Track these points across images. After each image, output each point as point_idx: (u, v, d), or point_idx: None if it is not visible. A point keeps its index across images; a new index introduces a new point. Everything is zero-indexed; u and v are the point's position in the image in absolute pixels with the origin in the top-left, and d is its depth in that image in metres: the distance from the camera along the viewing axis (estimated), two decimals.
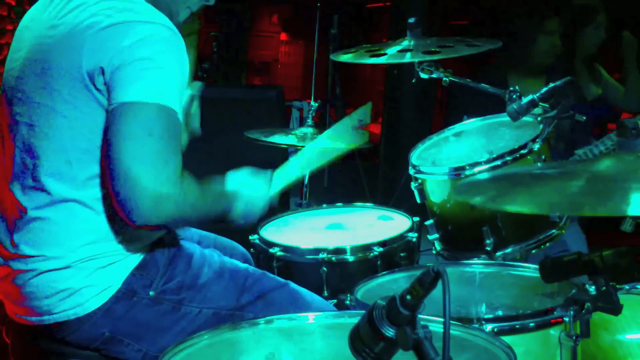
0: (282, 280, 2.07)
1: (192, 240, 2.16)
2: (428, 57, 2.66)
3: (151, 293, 1.87)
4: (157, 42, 1.74)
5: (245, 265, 2.09)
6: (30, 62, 1.83)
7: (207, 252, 2.04)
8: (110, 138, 1.70)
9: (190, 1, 1.99)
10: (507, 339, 1.52)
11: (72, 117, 1.76)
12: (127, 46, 1.71)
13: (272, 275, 2.09)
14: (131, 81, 1.70)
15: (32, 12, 1.94)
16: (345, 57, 2.79)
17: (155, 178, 1.67)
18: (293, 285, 2.06)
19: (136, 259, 1.88)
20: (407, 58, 2.67)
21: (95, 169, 1.79)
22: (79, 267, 1.81)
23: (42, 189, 1.80)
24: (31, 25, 1.90)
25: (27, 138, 1.82)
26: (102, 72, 1.72)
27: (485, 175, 1.74)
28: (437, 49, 2.64)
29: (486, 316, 1.81)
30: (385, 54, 2.71)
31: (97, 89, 1.74)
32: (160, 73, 1.71)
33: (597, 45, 4.11)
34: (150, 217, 1.69)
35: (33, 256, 1.81)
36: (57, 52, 1.78)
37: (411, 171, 2.60)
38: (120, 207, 1.69)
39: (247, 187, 1.98)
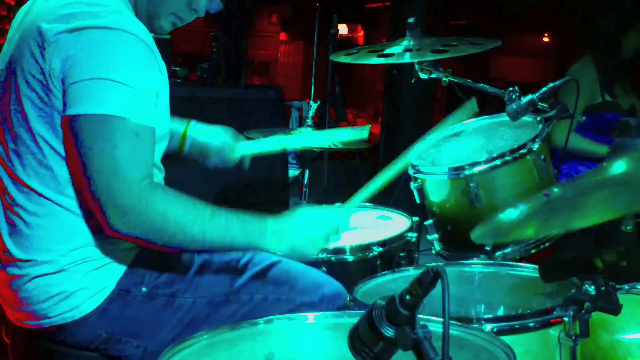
0: (275, 257, 2.04)
1: None
2: (433, 57, 2.64)
3: (144, 289, 1.87)
4: (108, 50, 1.71)
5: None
6: (6, 64, 1.84)
7: None
8: (70, 149, 1.73)
9: (179, 10, 1.97)
10: (506, 338, 1.52)
11: (44, 121, 1.76)
12: (76, 55, 1.69)
13: (264, 254, 2.05)
14: (82, 93, 1.69)
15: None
16: (346, 59, 2.77)
17: (108, 189, 1.67)
18: (286, 260, 2.04)
19: (128, 258, 1.88)
20: (407, 58, 2.66)
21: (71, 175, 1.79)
22: (72, 270, 1.81)
23: (28, 194, 1.80)
24: (12, 29, 1.90)
25: (10, 142, 1.82)
26: (58, 77, 1.72)
27: (513, 214, 1.71)
28: (445, 48, 2.63)
29: (485, 316, 1.80)
30: (392, 55, 2.69)
31: (57, 97, 1.73)
32: (110, 84, 1.69)
33: (635, 51, 3.85)
34: (120, 228, 1.69)
35: (24, 260, 1.81)
36: (25, 55, 1.77)
37: (410, 171, 2.60)
38: (98, 218, 1.72)
39: (291, 221, 1.89)
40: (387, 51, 2.71)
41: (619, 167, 1.55)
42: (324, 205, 1.95)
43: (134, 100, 1.71)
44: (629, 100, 3.89)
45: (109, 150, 1.67)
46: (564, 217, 1.55)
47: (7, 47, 1.87)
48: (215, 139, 2.44)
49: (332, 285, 2.04)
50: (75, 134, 1.70)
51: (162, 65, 1.84)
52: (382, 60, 2.71)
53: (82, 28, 1.71)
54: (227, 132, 2.47)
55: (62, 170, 1.78)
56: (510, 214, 1.67)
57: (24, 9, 1.91)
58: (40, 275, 1.81)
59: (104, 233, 1.82)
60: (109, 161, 1.67)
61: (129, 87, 1.70)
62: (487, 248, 2.41)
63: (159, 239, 1.73)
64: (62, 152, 1.78)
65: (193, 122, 2.42)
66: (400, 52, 2.68)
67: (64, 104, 1.72)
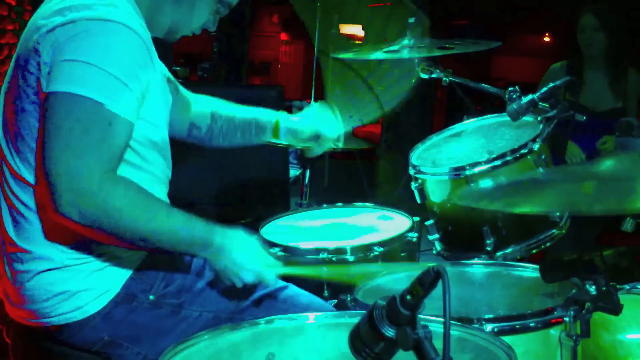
0: (282, 282, 2.06)
1: None
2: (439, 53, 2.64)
3: (151, 297, 1.87)
4: (97, 38, 1.71)
5: None
6: (13, 63, 1.85)
7: None
8: (44, 127, 1.71)
9: (207, 21, 2.01)
10: (507, 339, 1.52)
11: (39, 115, 1.76)
12: (66, 42, 1.71)
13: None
14: (62, 72, 1.69)
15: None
16: (347, 55, 2.77)
17: (69, 171, 1.65)
18: (293, 287, 2.06)
19: (134, 262, 1.88)
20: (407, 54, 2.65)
21: None
22: (75, 269, 1.81)
23: (27, 190, 1.81)
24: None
25: (11, 139, 1.83)
26: (49, 65, 1.72)
27: (488, 183, 1.74)
28: (447, 46, 2.63)
29: (486, 316, 1.80)
30: (397, 51, 2.68)
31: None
32: (92, 69, 1.68)
33: (588, 47, 3.92)
34: (70, 212, 1.66)
35: (25, 251, 1.81)
36: (24, 51, 1.79)
37: (411, 171, 2.60)
38: (46, 198, 1.68)
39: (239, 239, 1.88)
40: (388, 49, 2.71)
41: (607, 163, 1.55)
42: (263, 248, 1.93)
43: (114, 89, 1.70)
44: (615, 102, 3.90)
45: (78, 132, 1.66)
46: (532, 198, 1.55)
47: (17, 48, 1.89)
48: (308, 126, 2.42)
49: None
50: (48, 109, 1.69)
51: (156, 60, 1.84)
52: (386, 56, 2.70)
53: (76, 20, 1.72)
54: (321, 112, 2.44)
55: None
56: (486, 183, 1.70)
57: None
58: (43, 272, 1.81)
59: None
60: (76, 143, 1.65)
61: (111, 75, 1.69)
62: (488, 248, 2.42)
63: (109, 231, 1.70)
64: None
65: (284, 114, 2.43)
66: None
67: (47, 84, 1.72)
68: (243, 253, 1.87)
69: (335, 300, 2.16)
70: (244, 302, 1.95)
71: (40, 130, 1.71)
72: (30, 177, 1.80)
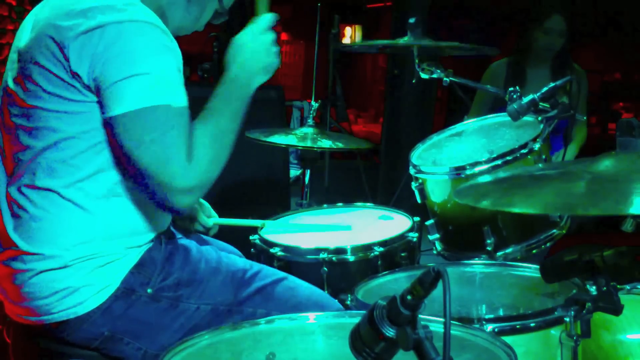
0: (282, 273, 2.06)
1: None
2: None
3: (149, 290, 1.88)
4: (134, 44, 1.74)
5: (242, 260, 2.10)
6: (21, 59, 1.84)
7: (204, 248, 2.05)
8: (118, 149, 1.76)
9: (212, 19, 2.06)
10: (507, 339, 1.52)
11: (64, 118, 1.77)
12: (104, 54, 1.72)
13: (271, 269, 2.09)
14: (121, 93, 1.72)
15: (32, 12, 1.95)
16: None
17: (164, 178, 1.73)
18: (292, 278, 2.06)
19: (134, 257, 1.88)
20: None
21: (88, 169, 1.80)
22: (77, 266, 1.82)
23: (38, 188, 1.81)
24: (26, 25, 1.90)
25: (23, 138, 1.82)
26: (85, 77, 1.73)
27: (486, 178, 1.74)
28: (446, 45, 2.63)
29: (487, 316, 1.80)
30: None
31: (82, 93, 1.75)
32: (145, 78, 1.72)
33: (547, 51, 3.86)
34: (187, 203, 1.77)
35: (30, 254, 1.82)
36: (44, 52, 1.78)
37: (412, 171, 2.60)
38: (162, 208, 1.81)
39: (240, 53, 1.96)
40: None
41: (607, 163, 1.55)
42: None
43: (171, 87, 1.75)
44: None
45: (159, 139, 1.72)
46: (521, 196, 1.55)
47: (19, 44, 1.87)
48: None
49: (334, 306, 2.05)
50: (122, 131, 1.73)
51: (176, 44, 1.85)
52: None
53: (104, 24, 1.73)
54: None
55: (74, 167, 1.79)
56: (485, 178, 1.70)
57: (39, 6, 1.92)
58: (45, 271, 1.81)
59: (110, 230, 1.83)
60: (159, 151, 1.72)
61: (161, 75, 1.74)
62: (489, 248, 2.41)
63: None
64: (79, 146, 1.79)
65: None
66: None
67: (103, 106, 1.74)
68: (254, 51, 2.00)
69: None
70: (242, 293, 1.96)
71: (122, 152, 1.75)
72: (40, 176, 1.80)
